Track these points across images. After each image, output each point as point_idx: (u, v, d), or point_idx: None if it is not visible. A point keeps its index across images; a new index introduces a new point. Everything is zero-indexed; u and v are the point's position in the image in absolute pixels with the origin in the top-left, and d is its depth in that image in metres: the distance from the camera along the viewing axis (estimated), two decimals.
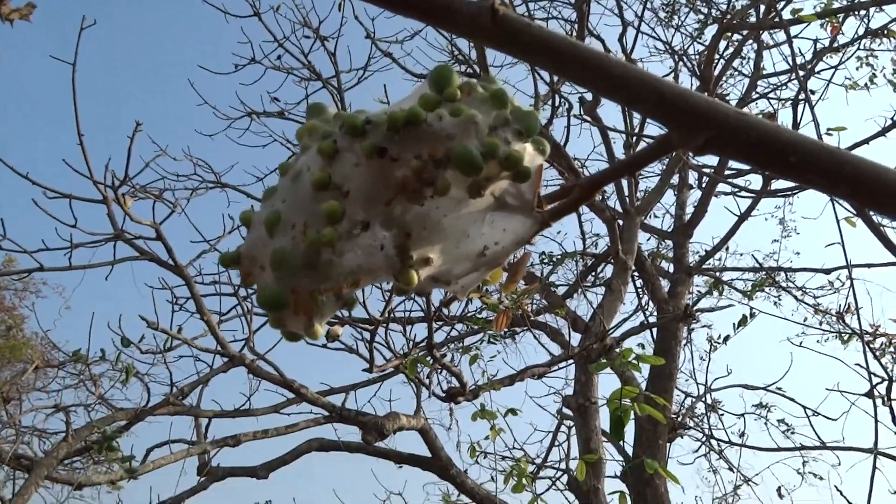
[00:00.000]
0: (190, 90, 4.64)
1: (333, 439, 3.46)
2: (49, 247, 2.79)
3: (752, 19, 5.06)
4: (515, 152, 0.51)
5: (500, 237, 0.53)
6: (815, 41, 4.74)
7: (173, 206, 3.21)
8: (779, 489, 3.73)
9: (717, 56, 5.08)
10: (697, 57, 5.31)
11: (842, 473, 4.20)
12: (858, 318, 2.02)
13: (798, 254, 7.63)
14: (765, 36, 5.30)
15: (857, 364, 2.07)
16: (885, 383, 2.04)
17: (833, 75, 5.11)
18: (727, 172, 5.09)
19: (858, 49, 4.86)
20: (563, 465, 4.16)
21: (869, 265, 3.93)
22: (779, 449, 3.90)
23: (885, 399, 1.88)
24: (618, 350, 4.21)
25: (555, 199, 0.54)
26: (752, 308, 4.29)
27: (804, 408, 4.15)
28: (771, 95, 5.31)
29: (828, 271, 4.92)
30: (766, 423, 5.04)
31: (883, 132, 3.92)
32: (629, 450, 4.40)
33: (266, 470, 3.31)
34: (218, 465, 3.18)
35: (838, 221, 1.64)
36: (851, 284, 1.98)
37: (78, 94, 2.48)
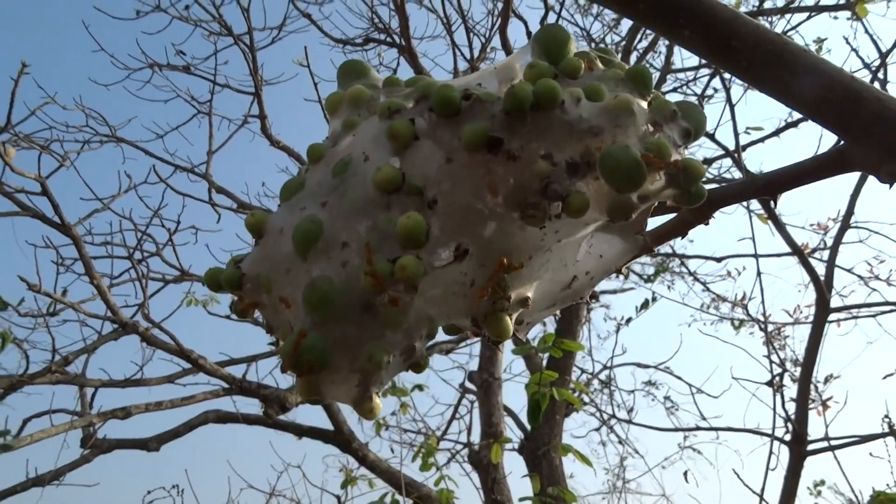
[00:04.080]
0: (84, 34, 4.27)
1: (231, 411, 3.35)
2: None
3: None
4: (695, 164, 0.35)
5: (592, 266, 0.40)
6: None
7: (62, 160, 2.96)
8: (685, 473, 3.97)
9: (632, 48, 5.22)
10: (614, 47, 5.44)
11: (720, 449, 4.53)
12: (764, 308, 2.15)
13: (692, 241, 8.08)
14: None
15: (764, 356, 2.20)
16: (780, 372, 2.19)
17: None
18: None
19: None
20: (463, 439, 4.24)
21: (771, 255, 4.14)
22: (677, 429, 4.14)
23: (778, 387, 2.01)
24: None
25: (654, 215, 0.41)
26: (653, 293, 4.49)
27: (690, 386, 4.43)
28: (680, 90, 5.52)
29: (720, 259, 5.22)
30: (653, 400, 5.36)
31: (776, 133, 4.20)
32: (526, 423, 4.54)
33: (157, 442, 3.15)
34: (104, 437, 3.00)
35: (751, 217, 1.73)
36: (759, 275, 2.10)
37: None
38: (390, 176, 0.33)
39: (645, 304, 4.32)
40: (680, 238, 0.42)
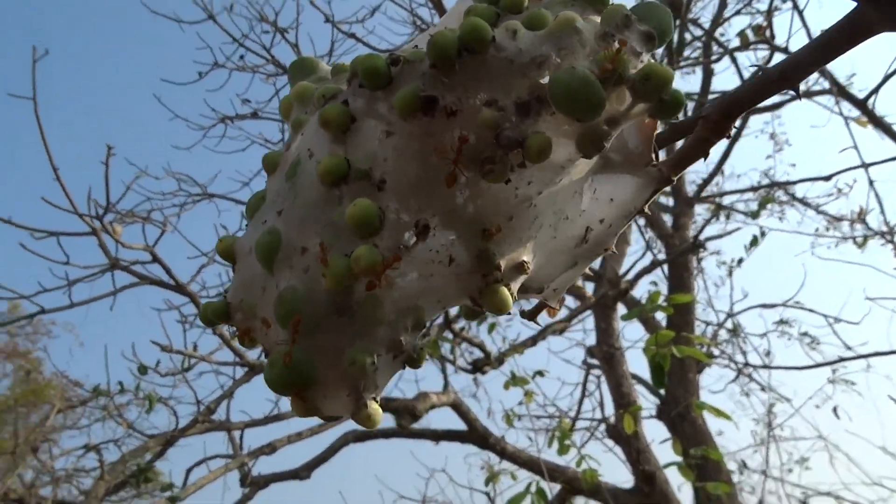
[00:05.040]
0: (159, 106, 4.54)
1: (367, 429, 3.45)
2: (46, 287, 2.74)
3: None
4: (658, 68, 0.31)
5: (605, 212, 0.35)
6: None
7: (163, 226, 3.15)
8: (834, 409, 3.73)
9: None
10: None
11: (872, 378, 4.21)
12: (885, 218, 1.97)
13: (794, 165, 7.59)
14: None
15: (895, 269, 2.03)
16: None
17: None
18: (712, 96, 5.00)
19: None
20: (597, 414, 4.16)
21: (883, 161, 3.76)
22: (818, 365, 3.90)
23: None
24: (632, 292, 4.20)
25: (664, 143, 0.35)
26: (761, 227, 4.25)
27: (825, 317, 4.15)
28: (745, 10, 5.19)
29: (828, 177, 4.86)
30: (789, 339, 5.05)
31: None
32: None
33: (307, 470, 3.30)
34: (259, 473, 3.17)
35: (847, 124, 1.59)
36: (871, 185, 1.94)
37: (42, 127, 2.40)
38: (330, 166, 0.30)
39: (754, 242, 4.09)
40: (703, 159, 0.36)
